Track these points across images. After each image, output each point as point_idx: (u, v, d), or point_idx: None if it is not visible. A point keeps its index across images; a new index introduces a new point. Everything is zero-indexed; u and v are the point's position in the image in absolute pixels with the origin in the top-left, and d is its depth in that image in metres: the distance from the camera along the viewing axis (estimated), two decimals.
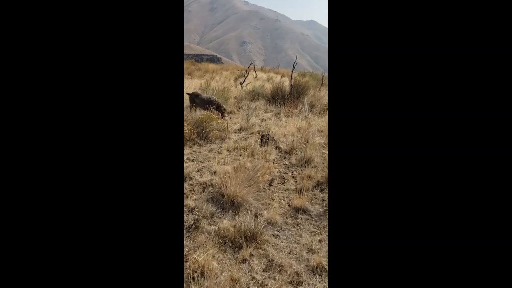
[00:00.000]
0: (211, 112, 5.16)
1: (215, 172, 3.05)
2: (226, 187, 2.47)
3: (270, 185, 2.87)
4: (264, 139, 3.97)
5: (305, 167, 3.34)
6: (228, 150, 3.77)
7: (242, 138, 4.31)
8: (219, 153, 3.69)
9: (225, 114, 5.40)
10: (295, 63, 8.36)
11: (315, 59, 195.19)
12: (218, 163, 3.29)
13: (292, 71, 8.22)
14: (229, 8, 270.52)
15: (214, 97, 5.42)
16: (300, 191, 2.77)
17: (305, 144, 4.03)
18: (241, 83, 9.68)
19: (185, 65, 15.67)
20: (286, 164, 3.43)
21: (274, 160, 3.52)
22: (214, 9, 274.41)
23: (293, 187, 2.86)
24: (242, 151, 3.76)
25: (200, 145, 3.89)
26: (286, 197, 2.68)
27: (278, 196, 2.68)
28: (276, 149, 3.89)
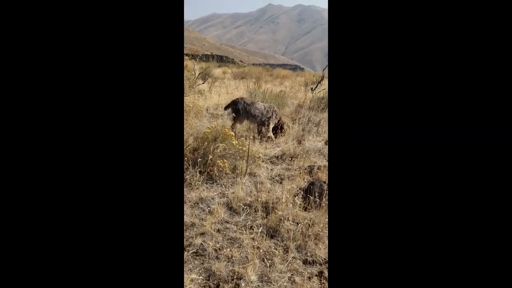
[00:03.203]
0: (264, 130, 3.26)
1: None
2: None
3: None
4: (314, 190, 1.84)
5: None
6: (229, 208, 1.78)
7: (275, 178, 2.27)
8: (209, 212, 1.74)
9: (285, 129, 3.45)
10: None
11: None
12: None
13: None
14: (317, 19, 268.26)
15: (274, 106, 3.49)
16: None
17: None
18: (312, 89, 7.69)
19: (257, 70, 14.63)
20: None
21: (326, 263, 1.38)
22: (302, 20, 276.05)
23: None
24: (253, 216, 1.72)
25: (190, 189, 2.00)
26: None
27: None
28: None
